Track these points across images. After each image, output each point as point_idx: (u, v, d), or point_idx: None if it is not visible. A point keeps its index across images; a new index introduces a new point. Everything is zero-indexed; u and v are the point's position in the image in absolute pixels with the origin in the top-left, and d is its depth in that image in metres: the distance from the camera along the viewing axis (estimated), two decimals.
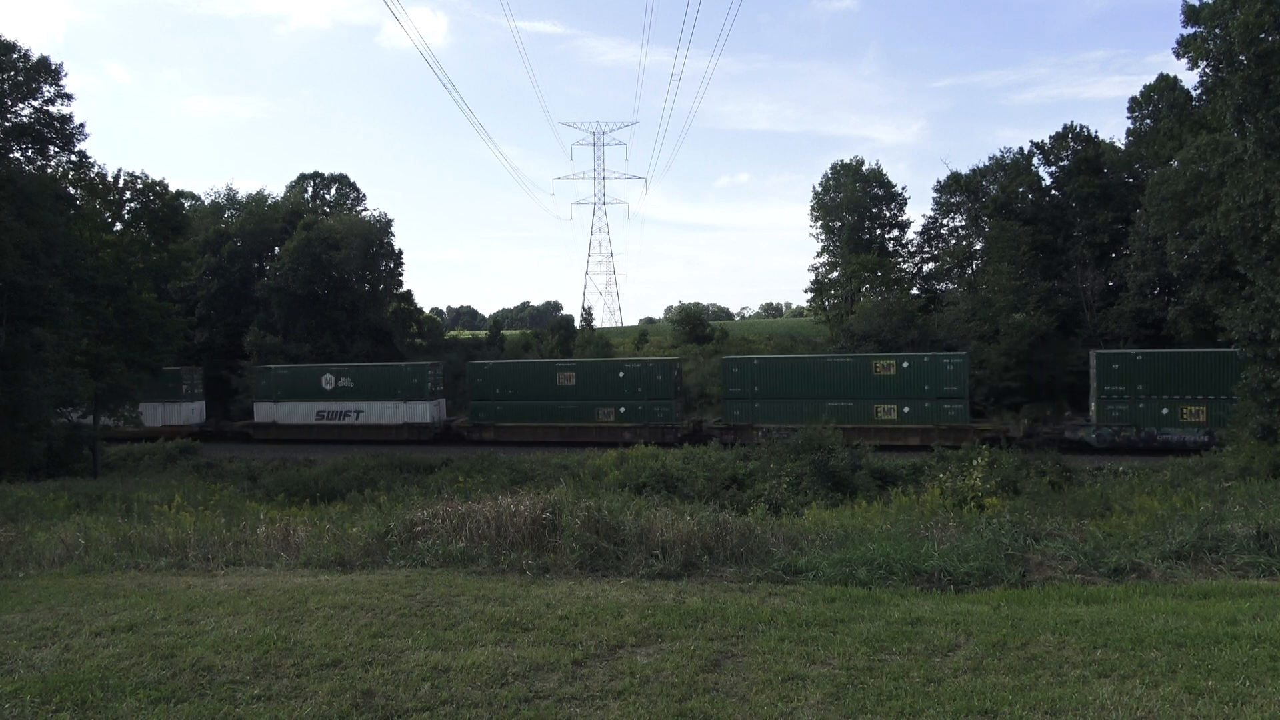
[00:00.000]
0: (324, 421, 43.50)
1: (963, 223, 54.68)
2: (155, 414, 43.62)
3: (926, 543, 8.46)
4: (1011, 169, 50.42)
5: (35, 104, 29.08)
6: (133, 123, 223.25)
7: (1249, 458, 23.29)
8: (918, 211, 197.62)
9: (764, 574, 7.74)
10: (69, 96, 29.51)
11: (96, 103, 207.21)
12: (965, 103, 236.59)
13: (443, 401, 44.41)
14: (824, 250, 59.58)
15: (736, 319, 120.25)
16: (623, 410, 39.55)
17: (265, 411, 44.56)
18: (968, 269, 52.80)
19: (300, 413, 43.77)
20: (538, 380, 41.21)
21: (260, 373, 44.95)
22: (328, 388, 43.63)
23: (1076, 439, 34.52)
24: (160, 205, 35.56)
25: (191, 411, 45.90)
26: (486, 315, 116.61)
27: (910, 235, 58.47)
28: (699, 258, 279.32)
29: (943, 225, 55.92)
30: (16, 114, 28.91)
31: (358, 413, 43.13)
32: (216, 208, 63.57)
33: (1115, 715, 4.40)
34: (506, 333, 71.35)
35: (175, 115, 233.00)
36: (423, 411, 42.39)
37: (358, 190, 68.37)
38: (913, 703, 4.58)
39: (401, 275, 60.71)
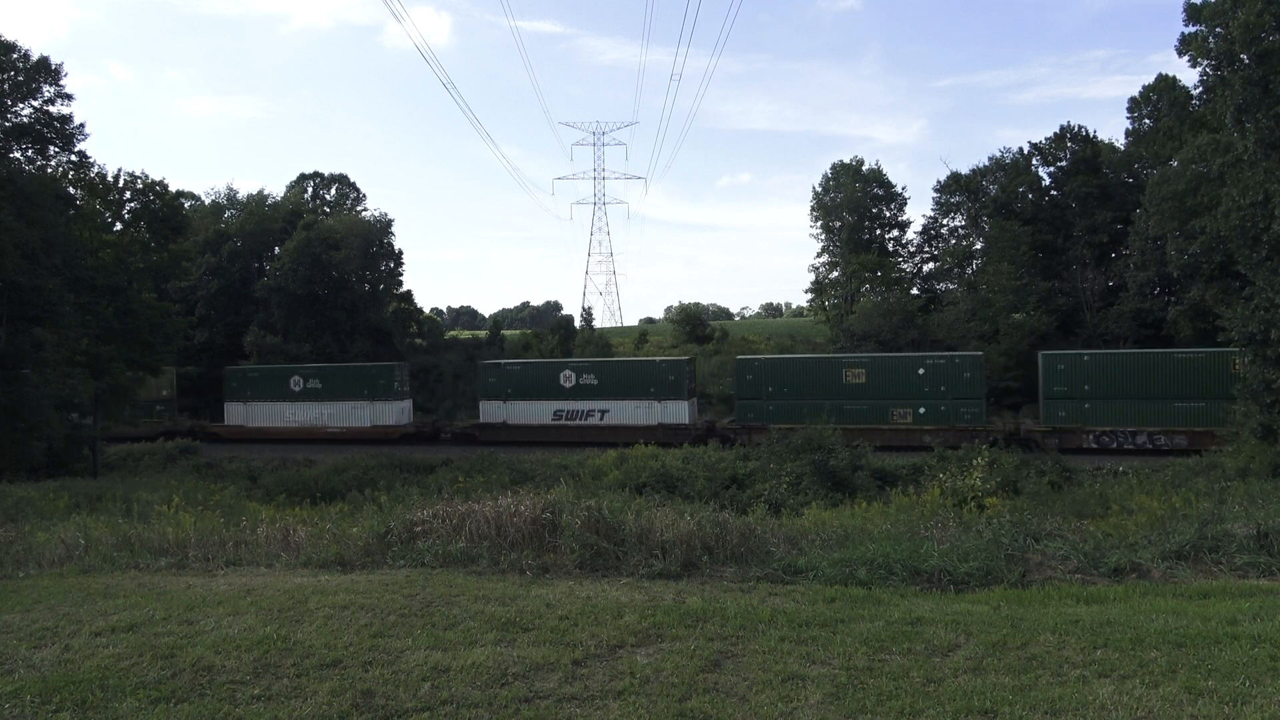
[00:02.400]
0: (562, 422, 40.26)
1: (963, 223, 54.77)
2: (361, 414, 42.41)
3: (926, 543, 8.46)
4: (1011, 169, 50.45)
5: (35, 104, 29.09)
6: (135, 123, 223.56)
7: (1249, 458, 23.28)
8: (918, 211, 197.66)
9: (764, 574, 7.74)
10: (69, 96, 29.54)
11: (98, 102, 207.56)
12: (966, 102, 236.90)
13: (695, 401, 40.80)
14: (824, 250, 59.63)
15: (736, 319, 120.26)
16: (922, 411, 35.86)
17: (493, 411, 41.24)
18: (968, 269, 52.82)
19: (534, 413, 40.58)
20: (818, 376, 37.60)
21: (488, 369, 42.16)
22: (566, 385, 40.33)
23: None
24: (160, 205, 35.56)
25: (401, 411, 43.29)
26: (486, 315, 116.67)
27: (910, 235, 58.58)
28: (699, 258, 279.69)
29: (943, 225, 55.99)
30: (16, 114, 28.91)
31: (602, 412, 39.80)
32: (216, 208, 63.57)
33: (1115, 715, 4.40)
34: (506, 333, 71.36)
35: (176, 115, 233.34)
36: (680, 412, 38.87)
37: (358, 190, 68.42)
38: (913, 703, 4.58)
39: (401, 275, 60.73)
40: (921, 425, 35.63)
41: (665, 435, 37.48)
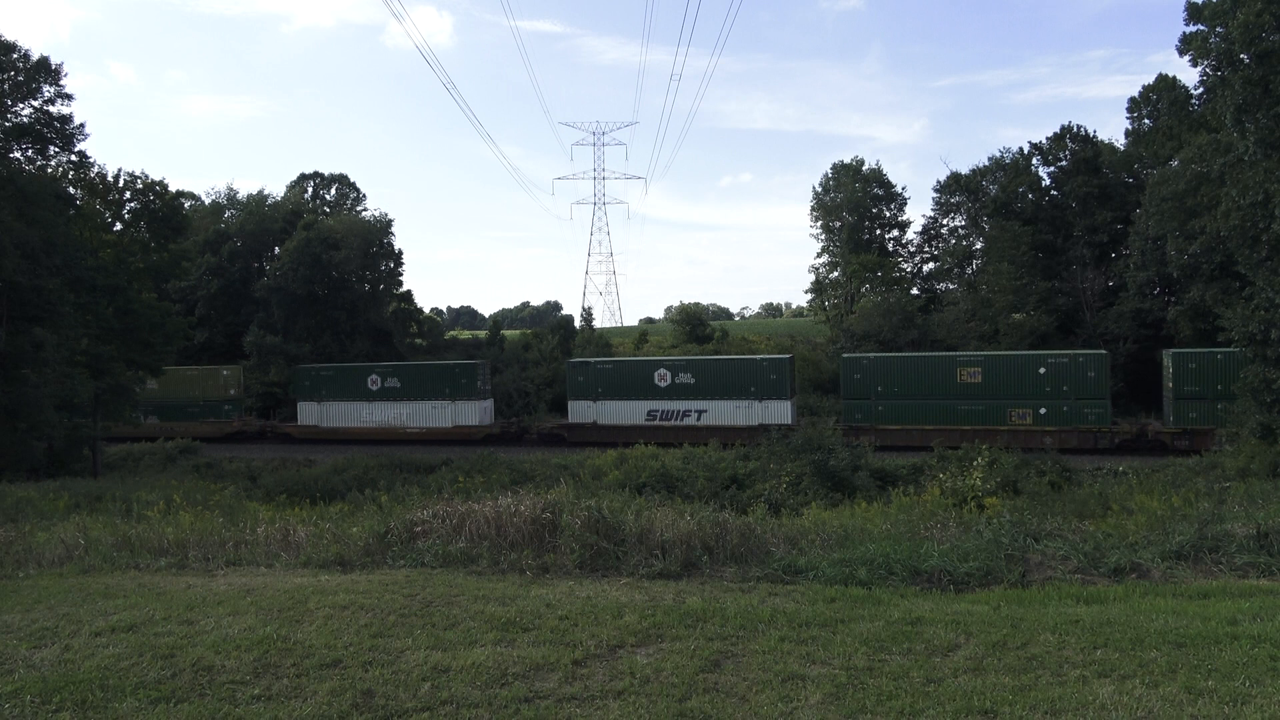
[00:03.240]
0: (656, 423, 38.39)
1: (963, 223, 54.81)
2: (442, 413, 41.15)
3: (926, 543, 8.47)
4: (1011, 169, 50.49)
5: (35, 104, 29.09)
6: (135, 123, 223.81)
7: (1249, 458, 23.28)
8: (918, 211, 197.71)
9: (764, 574, 7.74)
10: (69, 96, 29.55)
11: (99, 102, 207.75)
12: (967, 102, 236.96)
13: (795, 401, 38.98)
14: (824, 250, 59.70)
15: (737, 319, 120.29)
16: (1043, 411, 34.10)
17: (582, 411, 39.73)
18: (968, 269, 52.86)
19: (626, 412, 38.87)
20: (930, 376, 35.60)
21: (576, 367, 40.63)
22: (661, 384, 38.59)
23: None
24: (160, 205, 35.56)
25: (484, 411, 41.99)
26: (486, 315, 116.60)
27: (910, 235, 58.65)
28: (699, 257, 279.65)
29: (943, 225, 56.06)
30: (16, 114, 28.91)
31: (699, 413, 38.08)
32: (216, 208, 63.60)
33: (1115, 715, 4.40)
34: (506, 332, 71.34)
35: (177, 115, 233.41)
36: (783, 412, 37.04)
37: (358, 190, 68.49)
38: (913, 703, 4.59)
39: (401, 275, 60.72)
40: (1042, 426, 34.07)
41: (766, 437, 34.99)
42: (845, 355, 38.50)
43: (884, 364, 36.55)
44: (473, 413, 41.30)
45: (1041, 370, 34.44)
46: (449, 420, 41.42)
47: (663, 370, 39.04)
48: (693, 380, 38.33)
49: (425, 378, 42.37)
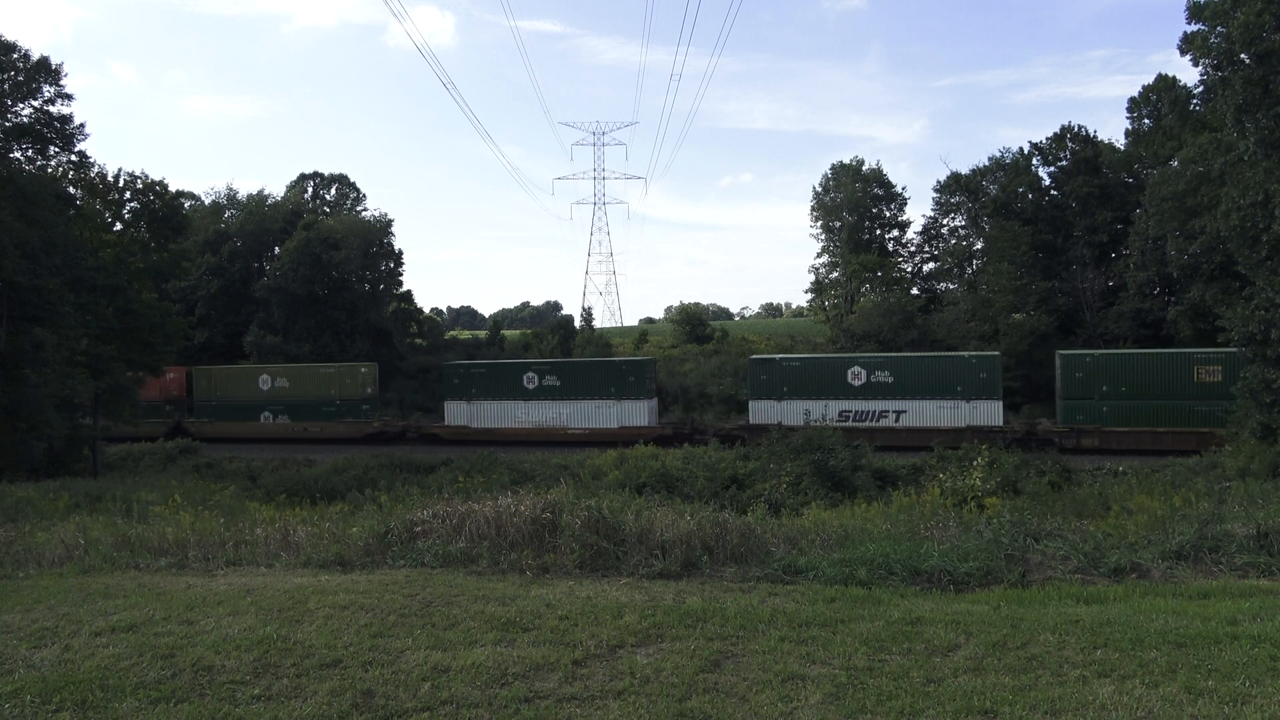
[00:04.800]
0: (850, 424, 35.32)
1: (963, 223, 54.82)
2: (607, 413, 38.82)
3: (926, 543, 8.46)
4: (1011, 169, 50.51)
5: (35, 104, 29.08)
6: (136, 122, 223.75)
7: (1249, 458, 23.28)
8: (918, 211, 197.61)
9: (764, 574, 7.74)
10: (69, 96, 29.53)
11: (100, 102, 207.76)
12: (967, 102, 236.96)
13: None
14: (824, 250, 59.71)
15: (736, 319, 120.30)
16: None
17: (764, 412, 36.78)
18: (968, 269, 52.87)
19: (815, 414, 36.33)
20: (1164, 374, 32.96)
21: (760, 365, 37.76)
22: (855, 383, 36.13)
23: None
24: (160, 205, 35.55)
25: (650, 411, 39.54)
26: (486, 315, 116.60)
27: (910, 235, 58.66)
28: (700, 257, 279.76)
29: (943, 225, 56.07)
30: (16, 114, 28.91)
31: (898, 413, 35.59)
32: (216, 208, 63.64)
33: (1115, 715, 4.40)
34: (506, 332, 71.38)
35: (179, 114, 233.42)
36: (993, 412, 34.48)
37: (358, 190, 68.51)
38: (913, 703, 4.59)
39: (401, 275, 60.78)
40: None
41: (976, 439, 32.78)
42: (1061, 353, 36.17)
43: (1108, 362, 34.30)
44: (640, 413, 38.80)
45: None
46: (615, 421, 38.83)
47: (857, 368, 36.28)
48: (890, 379, 35.78)
49: (589, 375, 39.92)
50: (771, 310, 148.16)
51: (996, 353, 36.59)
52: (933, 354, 39.04)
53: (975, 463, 23.40)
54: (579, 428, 39.07)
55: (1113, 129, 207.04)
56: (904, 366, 36.28)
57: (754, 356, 39.54)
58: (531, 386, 40.20)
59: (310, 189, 67.44)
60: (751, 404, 37.49)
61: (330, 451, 37.59)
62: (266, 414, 43.94)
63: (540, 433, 39.50)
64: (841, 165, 59.13)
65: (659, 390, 43.32)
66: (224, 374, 46.04)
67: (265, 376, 44.65)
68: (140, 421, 42.81)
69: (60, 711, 4.68)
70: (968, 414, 34.77)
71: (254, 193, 64.11)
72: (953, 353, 38.67)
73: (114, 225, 35.72)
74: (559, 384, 39.90)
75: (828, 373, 36.73)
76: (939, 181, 54.78)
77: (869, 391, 36.01)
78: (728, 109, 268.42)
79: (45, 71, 28.80)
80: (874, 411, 35.92)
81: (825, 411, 35.96)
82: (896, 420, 35.62)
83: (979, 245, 52.20)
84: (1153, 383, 33.37)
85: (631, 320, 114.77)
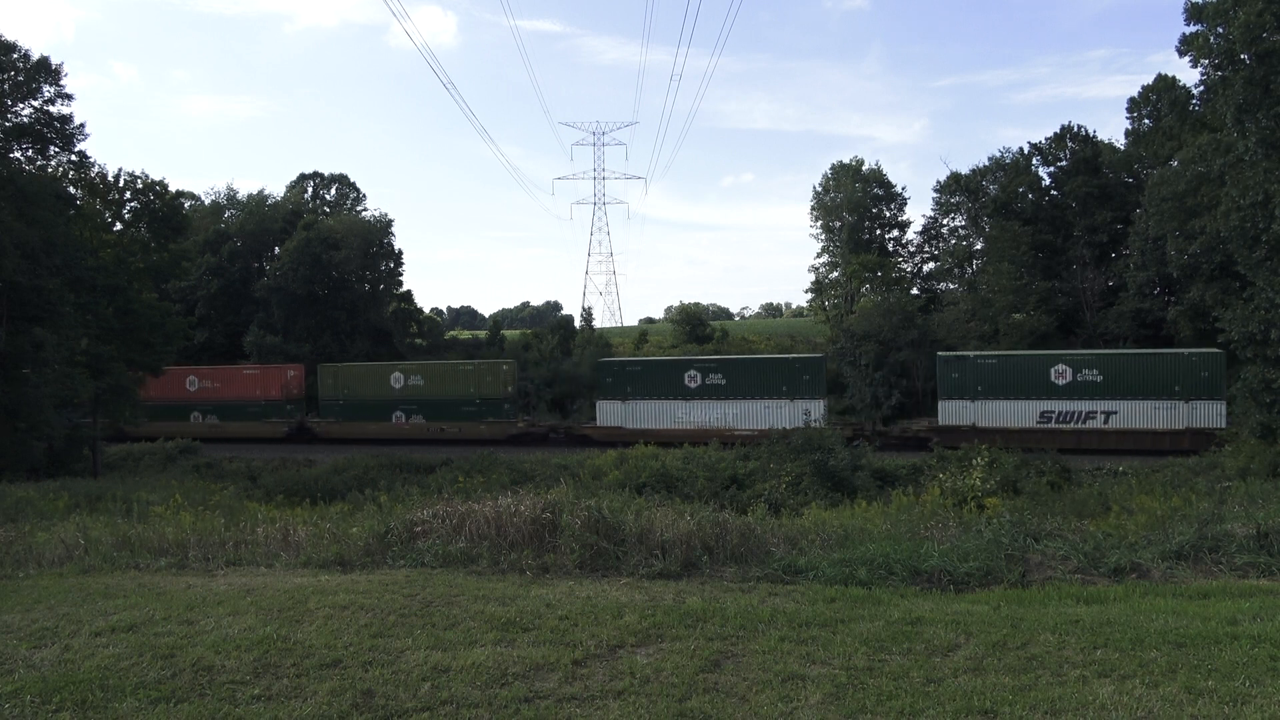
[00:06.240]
0: (1051, 425, 33.56)
1: (963, 223, 54.84)
2: (779, 414, 36.80)
3: (926, 543, 8.46)
4: (1011, 169, 50.53)
5: (35, 104, 29.10)
6: (138, 122, 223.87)
7: (1249, 458, 23.31)
8: (918, 211, 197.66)
9: (764, 574, 7.74)
10: (69, 96, 29.55)
11: (102, 102, 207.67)
12: (967, 102, 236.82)
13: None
14: (824, 250, 59.72)
15: (736, 319, 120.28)
16: None
17: (957, 412, 34.98)
18: (968, 269, 52.89)
19: (1011, 413, 34.24)
20: None
21: (951, 363, 35.55)
22: (1059, 382, 33.75)
23: None
24: (160, 205, 35.58)
25: (823, 410, 37.11)
26: (486, 315, 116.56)
27: (910, 235, 58.65)
28: (699, 257, 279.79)
29: (943, 225, 56.07)
30: (16, 114, 28.93)
31: (1106, 414, 33.17)
32: (216, 208, 63.71)
33: (1115, 715, 4.40)
34: (506, 333, 71.38)
35: (179, 114, 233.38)
36: (1216, 413, 31.63)
37: (358, 190, 68.59)
38: (913, 703, 4.58)
39: (401, 275, 60.87)
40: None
41: (1194, 442, 30.40)
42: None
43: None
44: (815, 413, 36.55)
45: None
46: (787, 421, 36.47)
47: (1061, 366, 33.93)
48: (1099, 377, 33.28)
49: (758, 374, 37.99)
50: (771, 310, 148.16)
51: (1219, 349, 32.18)
52: (1148, 350, 36.57)
53: (975, 463, 23.41)
54: (747, 429, 36.78)
55: (1113, 129, 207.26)
56: (1115, 364, 33.86)
57: (943, 354, 37.34)
58: (694, 385, 38.45)
59: (310, 189, 67.50)
60: (941, 404, 35.53)
61: (469, 452, 35.83)
62: (399, 413, 42.47)
63: (703, 434, 37.04)
64: (841, 165, 59.15)
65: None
66: (352, 371, 44.39)
67: (398, 374, 43.03)
68: (261, 420, 42.82)
69: (60, 711, 4.68)
70: (1186, 415, 32.24)
71: (254, 193, 64.26)
72: (1171, 349, 35.87)
73: (114, 225, 35.74)
74: (724, 383, 38.14)
75: (1028, 371, 34.50)
76: (939, 181, 54.86)
77: (1074, 391, 33.63)
78: (728, 109, 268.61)
79: (45, 71, 28.81)
80: (1080, 413, 33.57)
81: (1024, 412, 34.15)
82: (1105, 422, 33.33)
83: (979, 245, 52.22)
84: None
85: (631, 320, 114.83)
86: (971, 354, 36.58)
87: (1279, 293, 21.85)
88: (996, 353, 37.21)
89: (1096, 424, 33.38)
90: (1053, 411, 33.98)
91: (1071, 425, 33.49)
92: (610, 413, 39.26)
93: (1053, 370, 34.10)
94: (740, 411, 37.56)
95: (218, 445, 41.52)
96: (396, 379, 42.90)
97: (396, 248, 59.65)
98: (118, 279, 32.30)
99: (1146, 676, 4.90)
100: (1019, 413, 34.25)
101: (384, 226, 59.46)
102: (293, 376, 45.62)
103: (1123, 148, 49.66)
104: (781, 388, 37.24)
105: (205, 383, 45.50)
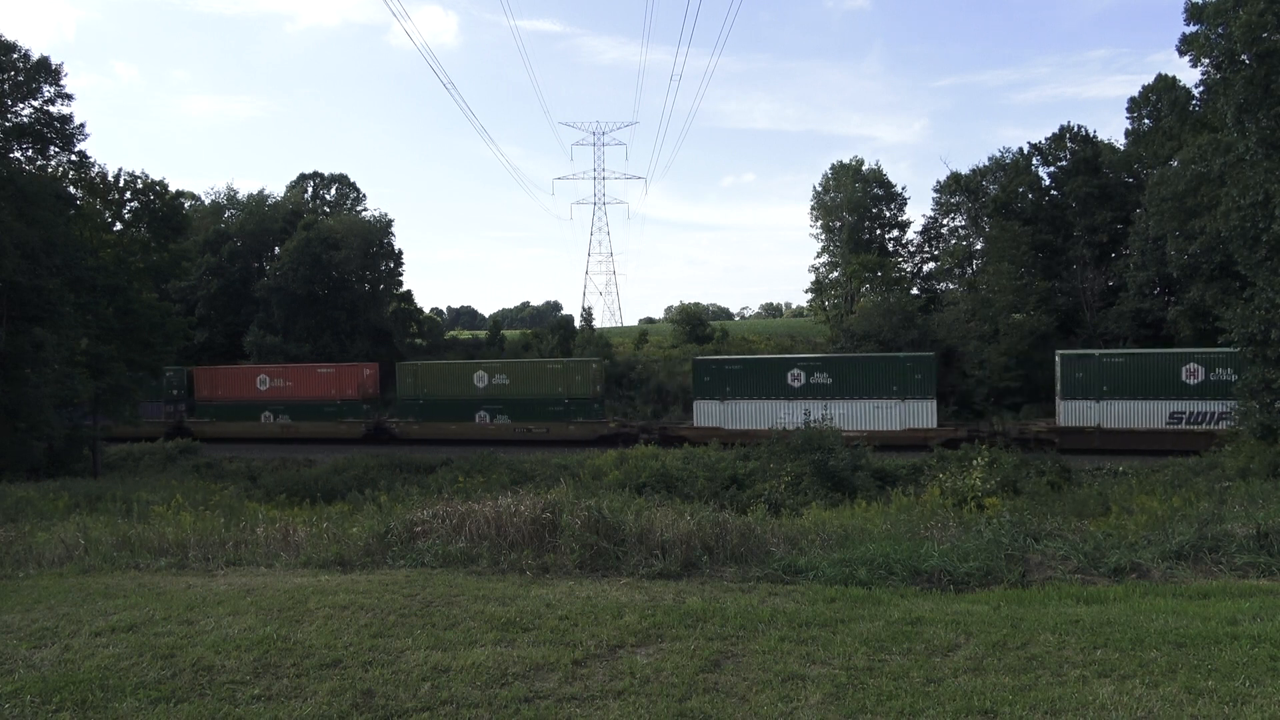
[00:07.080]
0: (1180, 426, 32.30)
1: (963, 223, 54.82)
2: (888, 414, 35.90)
3: (926, 543, 8.47)
4: (1011, 169, 50.52)
5: (35, 104, 29.12)
6: (138, 122, 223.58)
7: (1249, 458, 23.29)
8: (918, 211, 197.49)
9: (764, 574, 7.74)
10: (69, 96, 29.57)
11: (102, 102, 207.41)
12: (967, 102, 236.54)
13: None
14: (824, 250, 59.69)
15: (736, 319, 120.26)
16: None
17: (1079, 412, 33.74)
18: (968, 269, 52.88)
19: (1139, 414, 32.91)
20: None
21: (1073, 361, 34.38)
22: (1191, 381, 32.48)
23: None
24: (160, 205, 35.59)
25: (933, 411, 36.29)
26: (486, 315, 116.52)
27: (910, 235, 58.60)
28: (699, 257, 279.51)
29: (943, 225, 56.05)
30: (16, 114, 28.94)
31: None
32: (216, 208, 63.69)
33: (1115, 715, 4.40)
34: (506, 332, 71.37)
35: (179, 114, 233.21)
36: None
37: (358, 190, 68.54)
38: (913, 703, 4.59)
39: (401, 275, 60.83)
40: None
41: None
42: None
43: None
44: (926, 414, 35.86)
45: None
46: (897, 422, 35.89)
47: (1194, 364, 32.37)
48: (1235, 377, 30.89)
49: (867, 373, 36.83)
50: (771, 310, 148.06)
51: None
52: None
53: (975, 463, 23.42)
54: (854, 430, 34.70)
55: (1113, 129, 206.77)
56: None
57: (1065, 352, 35.84)
58: (797, 385, 37.30)
59: (310, 189, 67.49)
60: (1062, 404, 34.32)
61: (561, 453, 35.01)
62: (483, 413, 41.56)
63: None
64: (841, 165, 59.11)
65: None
66: (431, 370, 43.32)
67: (481, 373, 42.07)
68: (336, 420, 42.29)
69: (60, 711, 4.68)
70: None
71: (254, 193, 64.20)
72: None
73: (114, 225, 35.74)
74: (830, 382, 36.98)
75: (1155, 369, 33.02)
76: (939, 181, 54.85)
77: (1207, 390, 31.93)
78: (728, 109, 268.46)
79: (45, 71, 28.82)
80: (1213, 413, 31.72)
81: (1153, 413, 32.75)
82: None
83: (979, 245, 52.21)
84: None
85: (631, 320, 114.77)
86: (1097, 352, 35.17)
87: (1279, 292, 21.84)
88: (1123, 351, 35.84)
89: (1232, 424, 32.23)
90: (1183, 412, 32.53)
91: (1203, 426, 31.78)
92: (708, 412, 38.22)
93: (1184, 369, 32.62)
94: (846, 412, 35.92)
95: (291, 446, 40.46)
96: (480, 378, 41.95)
97: (396, 248, 59.68)
98: (118, 279, 32.30)
99: (1146, 676, 4.90)
100: (1147, 413, 32.90)
101: (384, 226, 59.47)
102: (368, 375, 44.87)
103: (1123, 148, 49.63)
104: (891, 387, 36.14)
105: (277, 381, 44.43)
